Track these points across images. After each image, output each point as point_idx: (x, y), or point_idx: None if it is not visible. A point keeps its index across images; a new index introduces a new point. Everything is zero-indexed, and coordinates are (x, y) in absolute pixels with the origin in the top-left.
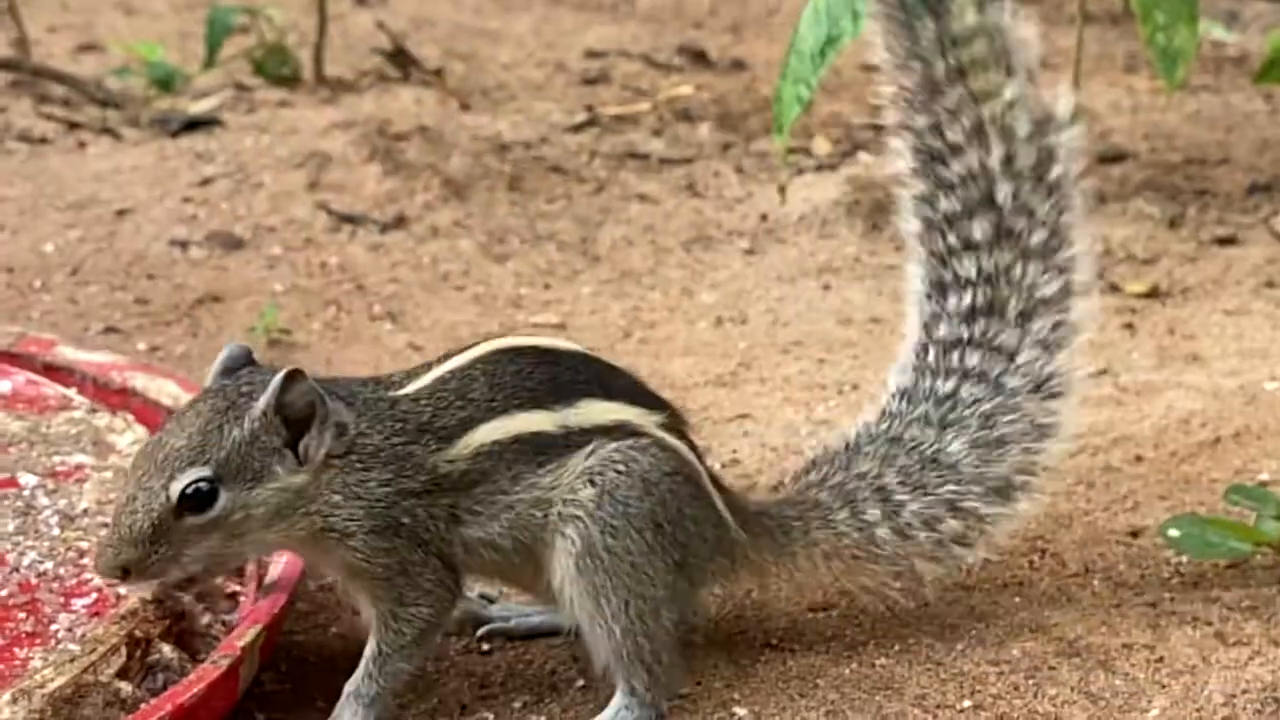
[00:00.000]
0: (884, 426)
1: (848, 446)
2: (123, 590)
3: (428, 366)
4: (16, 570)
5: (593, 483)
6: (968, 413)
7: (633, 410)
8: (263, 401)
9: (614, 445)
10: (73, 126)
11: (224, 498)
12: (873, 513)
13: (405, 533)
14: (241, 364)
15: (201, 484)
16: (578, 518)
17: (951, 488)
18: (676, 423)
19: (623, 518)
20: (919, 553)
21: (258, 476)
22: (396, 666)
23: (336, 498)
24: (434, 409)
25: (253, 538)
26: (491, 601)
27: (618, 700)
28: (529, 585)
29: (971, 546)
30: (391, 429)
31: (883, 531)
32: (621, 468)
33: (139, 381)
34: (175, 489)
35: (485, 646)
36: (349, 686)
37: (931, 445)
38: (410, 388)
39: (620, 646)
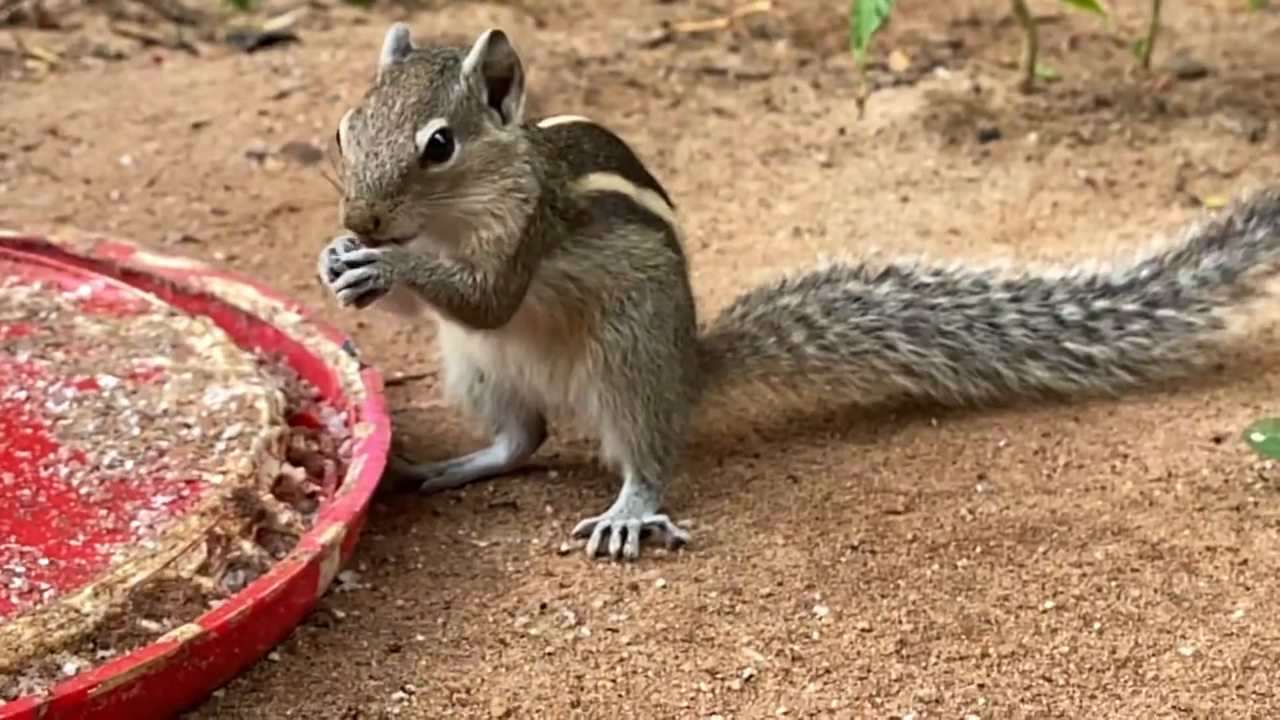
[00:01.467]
0: (812, 274)
1: (773, 287)
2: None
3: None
4: (97, 469)
5: (655, 282)
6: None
7: (672, 216)
8: (473, 58)
9: (667, 256)
10: (148, 43)
11: (458, 147)
12: (798, 335)
13: (531, 232)
14: (406, 43)
15: (440, 135)
16: (633, 319)
17: (873, 318)
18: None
19: (660, 325)
20: (847, 364)
21: (476, 130)
22: (441, 296)
23: (525, 165)
24: (563, 145)
25: (465, 193)
26: (413, 463)
27: (629, 488)
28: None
29: (889, 372)
30: (545, 137)
31: (810, 349)
32: (673, 277)
33: (217, 286)
34: (423, 138)
35: (564, 547)
36: (418, 255)
37: (861, 288)
38: (541, 124)
39: (641, 439)
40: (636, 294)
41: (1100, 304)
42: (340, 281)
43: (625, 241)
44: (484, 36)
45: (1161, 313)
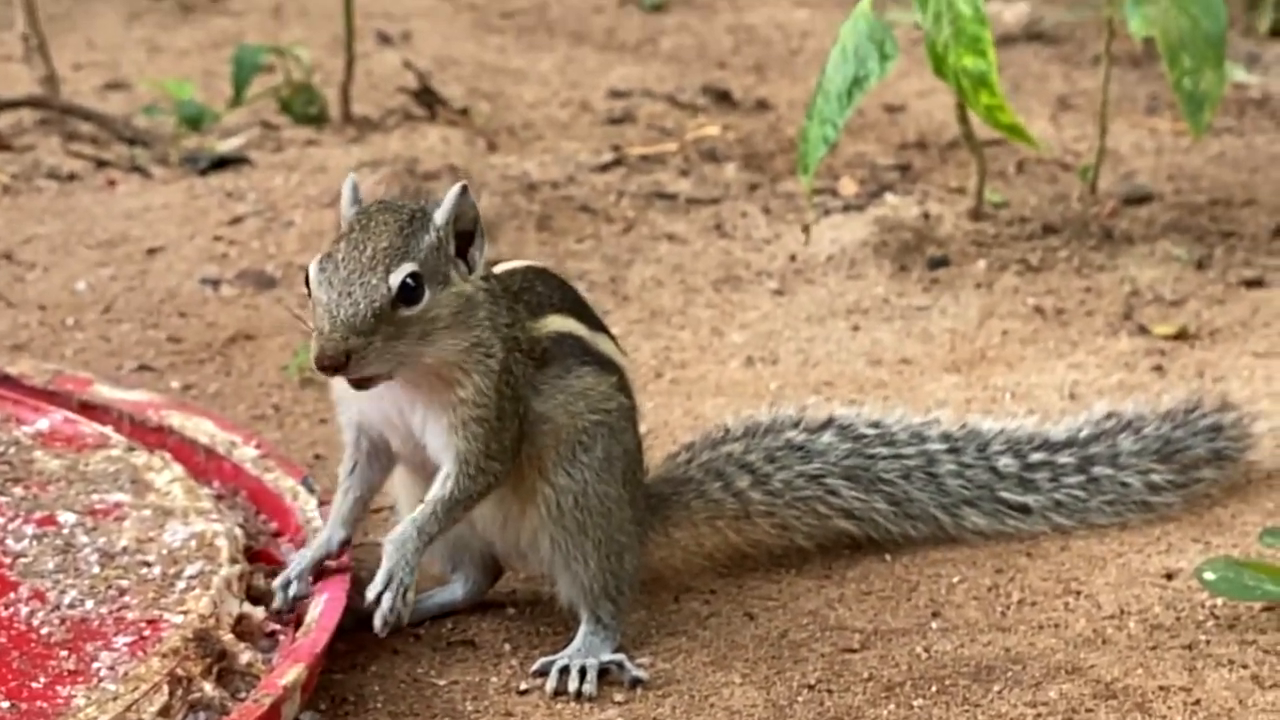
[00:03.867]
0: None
1: (716, 435)
2: (334, 379)
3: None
4: (57, 609)
5: (607, 426)
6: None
7: (624, 361)
8: (446, 210)
9: (619, 401)
10: (101, 164)
11: (427, 293)
12: (743, 481)
13: (509, 382)
14: (358, 195)
15: (411, 278)
16: (584, 463)
17: (816, 466)
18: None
19: (610, 469)
20: (791, 509)
21: (444, 280)
22: (458, 514)
23: (484, 316)
24: (518, 288)
25: (434, 340)
26: None
27: (585, 629)
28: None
29: (832, 517)
30: (502, 283)
31: (755, 494)
32: (624, 422)
33: (175, 419)
34: (395, 280)
35: (523, 686)
36: (415, 520)
37: (803, 438)
38: (495, 269)
39: (594, 581)
40: (588, 438)
41: (1037, 456)
42: (385, 619)
43: (582, 383)
44: (455, 190)
45: (1098, 470)
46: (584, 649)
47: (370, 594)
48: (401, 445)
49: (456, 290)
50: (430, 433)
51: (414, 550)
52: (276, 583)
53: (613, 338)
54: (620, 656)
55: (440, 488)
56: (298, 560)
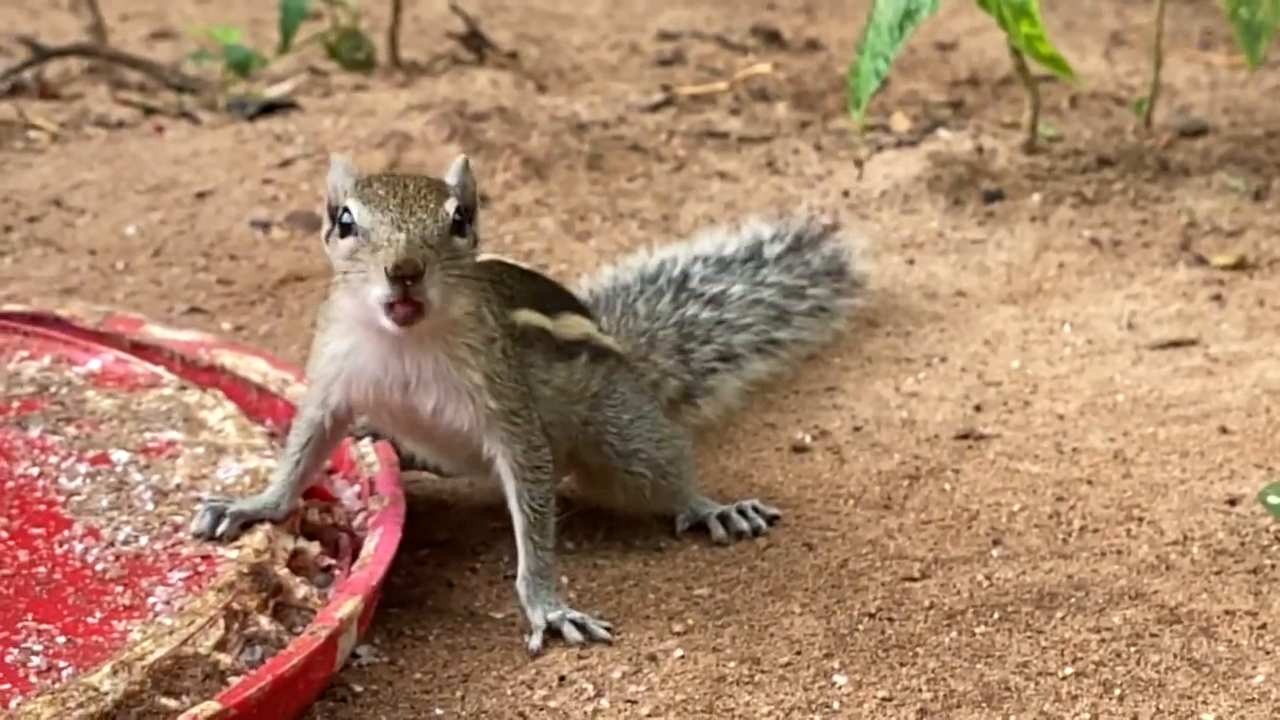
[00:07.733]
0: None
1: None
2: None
3: None
4: (112, 545)
5: (628, 410)
6: None
7: (587, 323)
8: (457, 177)
9: (610, 370)
10: (149, 111)
11: (468, 231)
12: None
13: (512, 365)
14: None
15: (459, 213)
16: (640, 454)
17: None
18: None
19: (653, 424)
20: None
21: (463, 234)
22: (548, 521)
23: (482, 291)
24: (490, 278)
25: (460, 292)
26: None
27: (689, 509)
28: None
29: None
30: (477, 271)
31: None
32: (632, 386)
33: (227, 359)
34: (450, 207)
35: None
36: (526, 565)
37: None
38: None
39: (682, 500)
40: (642, 464)
41: None
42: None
43: (556, 381)
44: (459, 160)
45: None
46: (707, 506)
47: (534, 645)
48: (392, 421)
49: (469, 247)
50: (448, 415)
51: (547, 590)
52: (205, 505)
53: (580, 308)
54: (753, 499)
55: (519, 514)
56: (237, 504)
